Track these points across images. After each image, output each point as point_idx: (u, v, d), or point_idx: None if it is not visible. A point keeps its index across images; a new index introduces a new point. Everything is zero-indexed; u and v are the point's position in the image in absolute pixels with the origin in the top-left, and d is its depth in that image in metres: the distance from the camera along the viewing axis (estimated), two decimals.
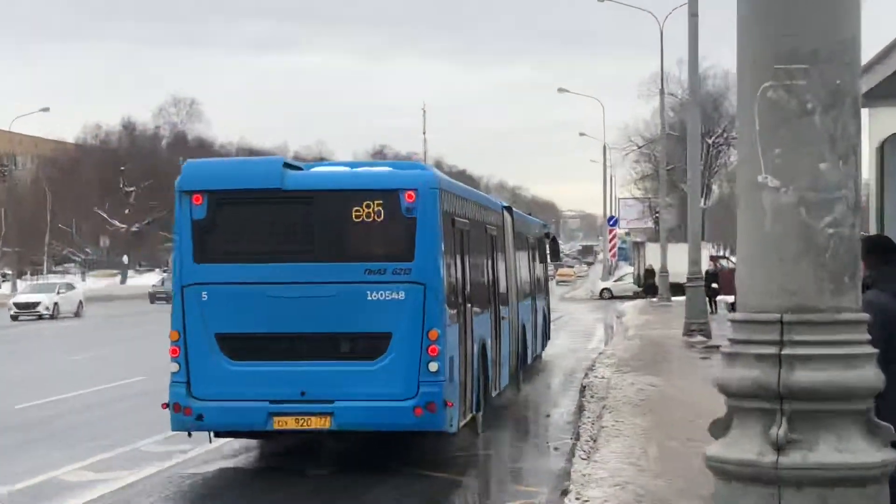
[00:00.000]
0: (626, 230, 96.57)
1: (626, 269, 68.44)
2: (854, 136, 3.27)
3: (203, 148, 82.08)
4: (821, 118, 3.24)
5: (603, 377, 17.16)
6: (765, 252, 3.29)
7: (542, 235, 21.17)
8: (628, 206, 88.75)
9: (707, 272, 32.98)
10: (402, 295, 9.34)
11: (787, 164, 3.26)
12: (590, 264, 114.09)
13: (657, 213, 63.82)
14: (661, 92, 48.44)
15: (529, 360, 17.76)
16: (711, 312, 31.58)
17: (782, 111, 3.27)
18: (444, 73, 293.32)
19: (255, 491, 9.45)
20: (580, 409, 14.56)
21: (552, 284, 33.09)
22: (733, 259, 55.78)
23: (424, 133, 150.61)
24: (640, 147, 72.65)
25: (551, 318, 22.82)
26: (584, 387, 16.52)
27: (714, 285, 34.50)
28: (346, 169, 10.12)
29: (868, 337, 3.24)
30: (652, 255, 50.16)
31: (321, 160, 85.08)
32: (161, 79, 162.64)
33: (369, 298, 9.35)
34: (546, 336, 21.07)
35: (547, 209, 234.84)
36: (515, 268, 15.55)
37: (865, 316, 3.26)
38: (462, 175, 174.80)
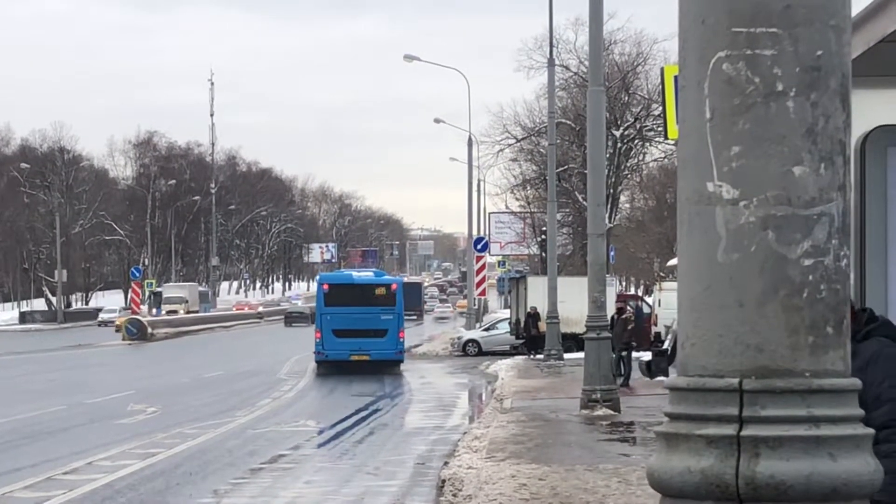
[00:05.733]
0: (500, 257, 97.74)
1: (500, 314, 69.17)
2: (841, 129, 3.33)
3: None
4: (795, 103, 3.30)
5: (470, 467, 17.27)
6: (717, 291, 3.31)
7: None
8: (502, 224, 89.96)
9: (613, 318, 33.60)
10: (392, 317, 43.92)
11: (749, 168, 3.30)
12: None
13: (543, 233, 64.73)
14: (550, 63, 49.26)
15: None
16: (619, 375, 32.15)
17: (742, 93, 3.31)
18: (250, 28, 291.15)
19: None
20: None
21: (457, 315, 69.42)
22: (649, 300, 56.98)
23: (212, 114, 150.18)
24: (519, 140, 73.70)
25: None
26: (444, 481, 16.59)
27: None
28: (372, 273, 50.09)
29: (861, 412, 3.29)
30: (536, 294, 50.82)
31: (61, 149, 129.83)
32: None
33: (381, 318, 43.60)
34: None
35: (389, 226, 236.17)
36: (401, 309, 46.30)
37: (856, 382, 3.31)
38: (266, 175, 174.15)
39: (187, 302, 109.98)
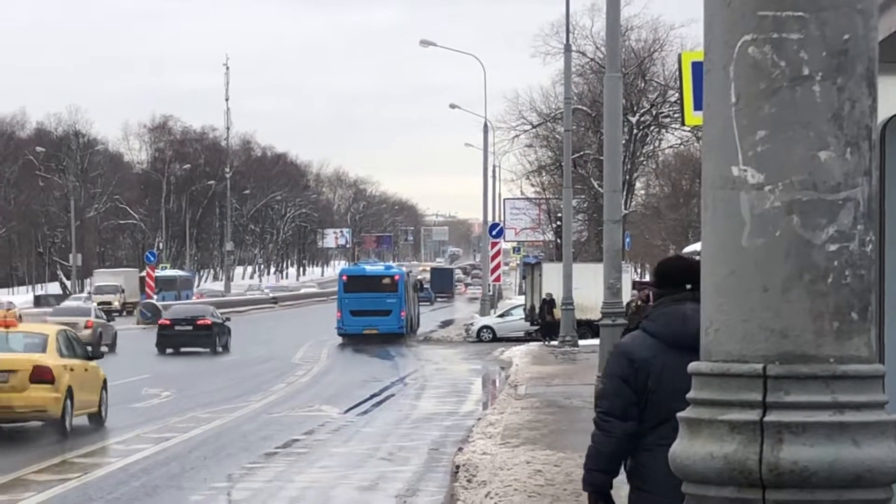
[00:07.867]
0: (515, 243, 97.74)
1: (515, 300, 69.16)
2: (867, 114, 3.31)
3: None
4: (822, 88, 3.28)
5: (485, 453, 17.26)
6: (742, 276, 3.30)
7: (416, 280, 70.07)
8: (517, 210, 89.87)
9: (629, 305, 33.55)
10: (395, 300, 57.77)
11: (774, 153, 3.29)
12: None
13: (558, 220, 64.69)
14: (567, 49, 49.19)
15: (416, 326, 61.87)
16: None
17: (769, 78, 3.29)
18: (267, 13, 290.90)
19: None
20: (452, 498, 14.59)
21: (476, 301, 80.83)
22: None
23: (227, 98, 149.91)
24: (534, 126, 73.54)
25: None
26: (459, 466, 16.59)
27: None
28: (382, 266, 69.80)
29: (886, 398, 3.29)
30: (551, 280, 50.79)
31: (76, 133, 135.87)
32: None
33: (387, 301, 57.53)
34: (418, 322, 63.68)
35: (404, 212, 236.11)
36: (411, 291, 62.29)
37: (880, 368, 3.30)
38: (282, 161, 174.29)
39: (123, 292, 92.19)
